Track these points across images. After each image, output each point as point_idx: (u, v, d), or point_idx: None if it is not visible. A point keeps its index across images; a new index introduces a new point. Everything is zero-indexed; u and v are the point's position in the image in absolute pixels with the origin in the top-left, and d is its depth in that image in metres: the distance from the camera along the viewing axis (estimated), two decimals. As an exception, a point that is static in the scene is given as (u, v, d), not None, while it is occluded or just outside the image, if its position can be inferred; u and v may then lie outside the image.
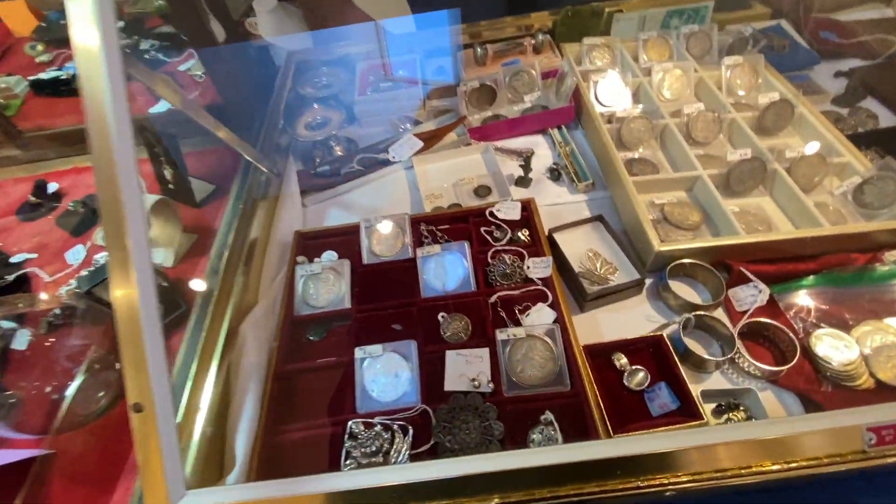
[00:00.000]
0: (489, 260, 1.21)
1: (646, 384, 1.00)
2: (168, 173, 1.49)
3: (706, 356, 1.01)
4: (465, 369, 1.02)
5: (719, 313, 1.11)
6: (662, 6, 1.75)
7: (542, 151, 1.56)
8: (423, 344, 1.07)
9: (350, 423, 0.96)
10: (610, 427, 0.90)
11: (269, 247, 1.33)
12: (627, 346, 1.05)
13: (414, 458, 0.92)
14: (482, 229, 1.28)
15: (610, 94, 1.57)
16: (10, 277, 1.38)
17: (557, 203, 1.41)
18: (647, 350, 1.05)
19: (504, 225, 1.28)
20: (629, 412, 0.97)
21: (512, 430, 0.94)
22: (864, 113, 1.54)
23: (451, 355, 1.05)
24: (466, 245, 1.22)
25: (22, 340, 1.24)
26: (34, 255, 1.47)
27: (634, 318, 1.13)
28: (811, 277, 1.12)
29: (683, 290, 1.15)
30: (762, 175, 1.30)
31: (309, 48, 1.77)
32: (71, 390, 1.07)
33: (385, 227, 1.28)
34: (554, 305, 1.10)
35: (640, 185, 1.28)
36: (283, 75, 1.76)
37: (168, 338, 1.21)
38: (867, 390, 0.96)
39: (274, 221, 1.39)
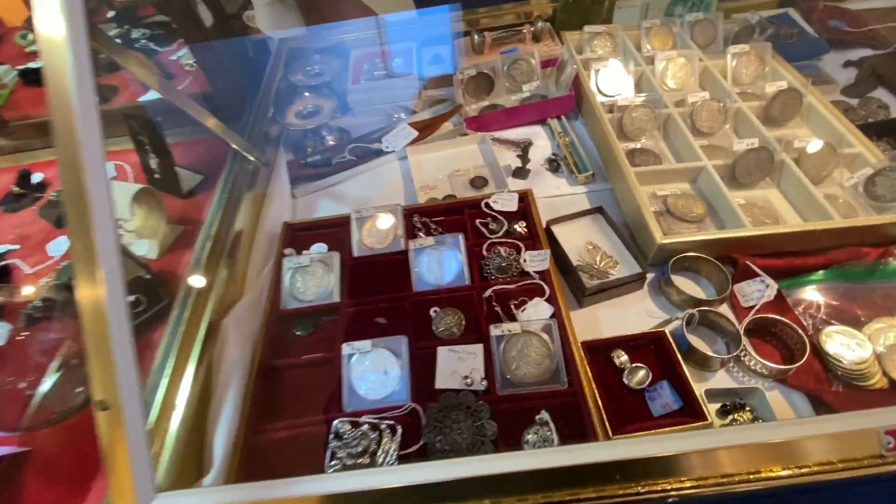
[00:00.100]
0: (484, 253, 1.16)
1: (647, 383, 0.95)
2: (154, 163, 1.44)
3: (710, 354, 0.96)
4: (458, 366, 0.98)
5: (724, 309, 1.06)
6: (666, -7, 1.70)
7: (541, 142, 1.51)
8: (413, 339, 1.02)
9: (336, 422, 0.91)
10: (609, 428, 0.86)
11: (256, 239, 1.28)
12: (628, 343, 1.00)
13: (402, 459, 0.87)
14: (477, 221, 1.23)
15: (611, 83, 1.52)
16: (-10, 269, 1.34)
17: (556, 195, 1.36)
18: (649, 347, 1.01)
19: (500, 217, 1.23)
20: (629, 412, 0.92)
21: (506, 430, 0.89)
22: (874, 103, 1.48)
23: (443, 351, 1.00)
24: (461, 237, 1.17)
25: (1, 334, 1.20)
26: (16, 247, 1.43)
27: (635, 314, 1.08)
28: (821, 272, 1.07)
29: (687, 284, 1.10)
30: (769, 166, 1.25)
31: (302, 35, 1.71)
32: (46, 386, 1.02)
33: (376, 219, 1.23)
34: (551, 300, 1.06)
35: (642, 175, 1.23)
36: (274, 63, 1.71)
37: (151, 332, 1.19)
38: (880, 390, 0.92)
39: (262, 212, 1.34)
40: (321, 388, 0.99)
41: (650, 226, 1.09)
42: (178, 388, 0.90)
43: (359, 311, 1.10)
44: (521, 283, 1.09)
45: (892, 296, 1.03)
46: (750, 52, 1.50)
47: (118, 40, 2.21)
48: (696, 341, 0.99)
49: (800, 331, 0.96)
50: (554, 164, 1.42)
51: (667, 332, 0.99)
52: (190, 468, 0.87)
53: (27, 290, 1.27)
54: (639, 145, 1.40)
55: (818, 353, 0.96)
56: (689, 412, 0.89)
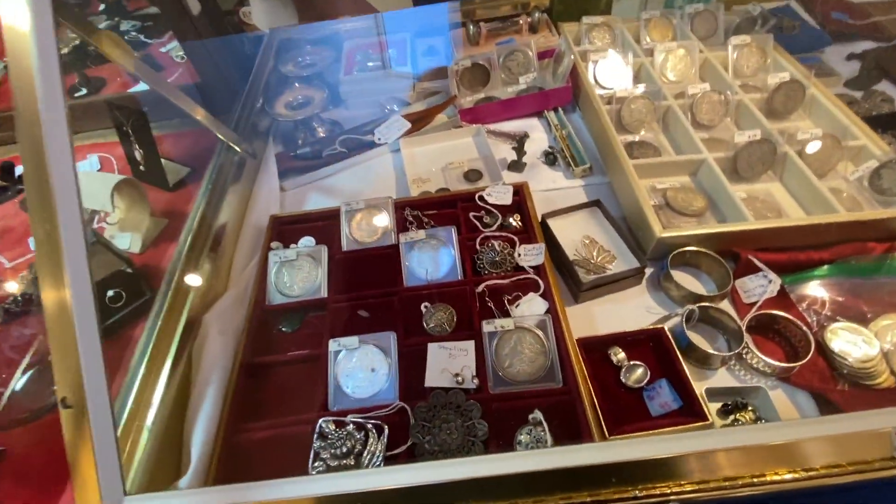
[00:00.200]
0: (478, 247, 1.12)
1: (645, 381, 0.91)
2: (139, 154, 1.40)
3: (711, 351, 0.92)
4: (448, 363, 0.94)
5: (725, 305, 1.02)
6: (666, -16, 1.66)
7: (538, 135, 1.47)
8: (403, 336, 0.99)
9: (320, 421, 0.87)
10: (605, 428, 0.82)
11: (242, 232, 1.24)
12: (625, 340, 0.96)
13: (389, 460, 0.83)
14: (471, 214, 1.19)
15: (609, 74, 1.48)
16: (-32, 263, 1.29)
17: (552, 188, 1.32)
18: (647, 344, 0.97)
19: (494, 210, 1.19)
20: (626, 412, 0.89)
21: (497, 430, 0.85)
22: (878, 96, 1.45)
23: (433, 348, 0.96)
24: (453, 231, 1.13)
25: (-22, 330, 1.15)
26: (-5, 240, 1.39)
27: (633, 310, 1.05)
28: (825, 267, 1.03)
29: (687, 280, 1.07)
30: (772, 159, 1.21)
31: (293, 25, 1.67)
32: (17, 383, 0.98)
33: (366, 212, 1.20)
34: (546, 296, 1.02)
35: (641, 168, 1.19)
36: (264, 53, 1.67)
37: (132, 327, 1.15)
38: (888, 389, 0.88)
39: (249, 205, 1.31)
40: (306, 387, 0.95)
41: (649, 219, 1.06)
42: (154, 385, 0.86)
43: (347, 307, 1.06)
44: (515, 278, 1.05)
45: (899, 292, 0.99)
46: (751, 44, 1.47)
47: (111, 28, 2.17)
48: (696, 338, 0.95)
49: (804, 327, 0.92)
50: (550, 157, 1.38)
51: (666, 328, 0.95)
52: (167, 469, 0.83)
53: (5, 285, 1.23)
54: (637, 138, 1.36)
55: (823, 350, 0.92)
56: (688, 412, 0.86)
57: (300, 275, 1.11)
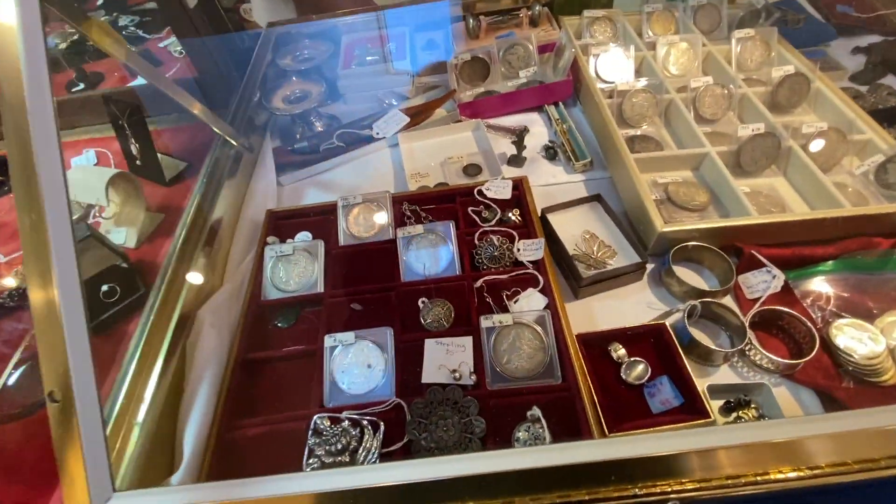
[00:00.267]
0: (476, 242, 1.10)
1: (646, 378, 0.90)
2: (135, 149, 1.39)
3: (713, 347, 0.90)
4: (446, 359, 0.92)
5: (728, 301, 1.00)
6: (669, -23, 1.64)
7: (538, 129, 1.45)
8: (400, 331, 0.97)
9: (315, 417, 0.86)
10: (605, 425, 0.80)
11: (238, 227, 1.23)
12: (626, 336, 0.94)
13: (385, 457, 0.82)
14: (470, 209, 1.17)
15: (611, 68, 1.46)
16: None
17: (552, 183, 1.31)
18: (648, 340, 0.95)
19: (493, 205, 1.18)
20: (627, 409, 0.87)
21: (495, 427, 0.84)
22: (884, 90, 1.43)
23: (430, 344, 0.94)
24: (452, 225, 1.11)
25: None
26: (-9, 235, 1.37)
27: (634, 306, 1.03)
28: (830, 263, 1.01)
29: (688, 275, 1.05)
30: (776, 153, 1.19)
31: (291, 18, 1.66)
32: (13, 378, 0.97)
33: (364, 206, 1.18)
34: (545, 291, 1.00)
35: (643, 162, 1.17)
36: (262, 47, 1.65)
37: (127, 322, 1.14)
38: (894, 386, 0.86)
39: (245, 200, 1.29)
40: (301, 383, 0.94)
41: (650, 214, 1.04)
42: (146, 381, 0.85)
43: (343, 302, 1.05)
44: (514, 273, 1.03)
45: (905, 288, 0.98)
46: (755, 37, 1.45)
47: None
48: (698, 334, 0.93)
49: (808, 324, 0.90)
50: (551, 152, 1.36)
51: (667, 324, 0.94)
52: (159, 466, 0.82)
53: (0, 280, 1.22)
54: (639, 132, 1.34)
55: (828, 347, 0.90)
56: (690, 409, 0.84)
57: (296, 270, 1.10)
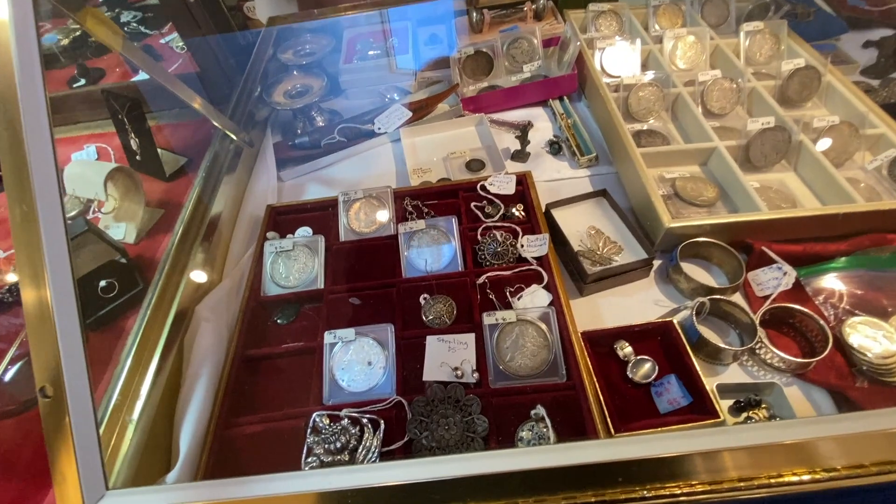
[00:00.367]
0: (479, 237, 1.08)
1: (653, 377, 0.87)
2: (135, 143, 1.37)
3: (723, 345, 0.88)
4: (448, 357, 0.91)
5: (737, 299, 0.98)
6: (676, -30, 1.61)
7: (542, 124, 1.43)
8: (401, 328, 0.95)
9: (314, 415, 0.84)
10: (611, 425, 0.78)
11: (238, 223, 1.21)
12: (632, 334, 0.92)
13: (385, 456, 0.80)
14: (472, 204, 1.15)
15: (617, 62, 1.44)
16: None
17: (557, 179, 1.28)
18: (655, 338, 0.93)
19: (497, 200, 1.16)
20: (633, 408, 0.85)
21: (498, 426, 0.82)
22: (897, 84, 1.40)
23: (431, 341, 0.93)
24: (454, 221, 1.09)
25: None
26: (-10, 231, 1.37)
27: (640, 304, 1.01)
28: (843, 259, 0.99)
29: (696, 272, 1.02)
30: (786, 147, 1.16)
31: (293, 12, 1.64)
32: (9, 374, 0.96)
33: (365, 202, 1.16)
34: (550, 288, 0.98)
35: (649, 157, 1.15)
36: (263, 41, 1.63)
37: (125, 318, 1.12)
38: (910, 387, 0.83)
39: (245, 195, 1.28)
40: (300, 380, 0.92)
41: (658, 209, 1.01)
42: (142, 377, 0.83)
43: (344, 299, 1.03)
44: (517, 270, 1.01)
45: (921, 285, 0.95)
46: (764, 30, 1.42)
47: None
48: (706, 332, 0.91)
49: (821, 322, 0.87)
50: (555, 147, 1.34)
51: (675, 321, 0.92)
52: (154, 464, 0.80)
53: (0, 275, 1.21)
54: (645, 126, 1.32)
55: (841, 346, 0.88)
56: (699, 409, 0.82)
57: (296, 265, 1.08)
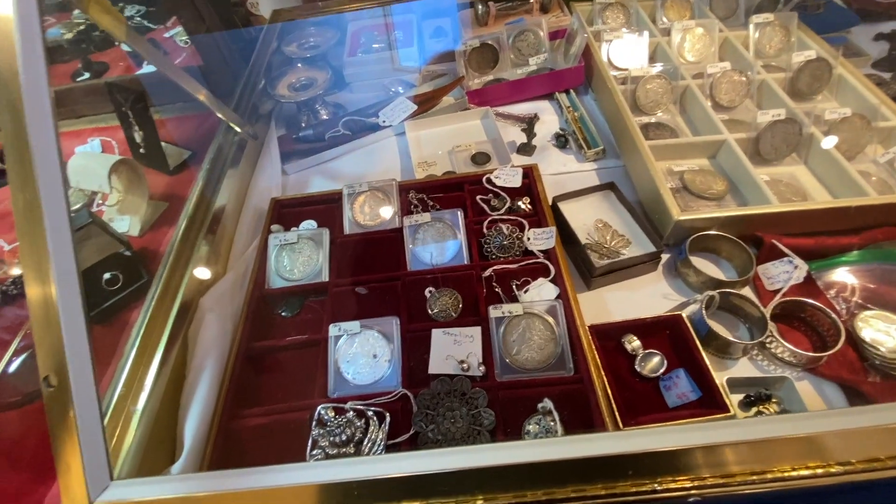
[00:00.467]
0: (485, 230, 1.07)
1: (661, 371, 0.86)
2: (139, 136, 1.37)
3: (732, 339, 0.87)
4: (454, 350, 0.90)
5: (746, 293, 0.96)
6: (684, -38, 1.59)
7: (548, 117, 1.42)
8: (406, 321, 0.94)
9: (319, 408, 0.83)
10: (619, 419, 0.77)
11: (242, 215, 1.21)
12: (640, 327, 0.91)
13: (391, 449, 0.79)
14: (478, 198, 1.14)
15: (624, 55, 1.42)
16: (-33, 246, 1.27)
17: (563, 172, 1.27)
18: (664, 332, 0.92)
19: (503, 193, 1.15)
20: (642, 402, 0.84)
21: (504, 419, 0.81)
22: (909, 77, 1.37)
23: (437, 334, 0.92)
24: (460, 213, 1.08)
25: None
26: (-5, 224, 1.36)
27: (648, 297, 0.99)
28: (855, 253, 0.97)
29: (706, 265, 1.01)
30: (797, 140, 1.15)
31: (297, 6, 1.63)
32: (13, 366, 0.95)
33: (369, 195, 1.15)
34: (556, 281, 0.97)
35: (658, 150, 1.14)
36: (267, 34, 1.63)
37: (129, 310, 1.12)
38: (924, 382, 0.82)
39: (249, 188, 1.27)
40: (305, 372, 0.92)
41: (666, 202, 1.00)
42: (146, 369, 0.83)
43: (348, 292, 1.02)
44: (524, 263, 1.00)
45: (934, 279, 0.93)
46: (774, 22, 1.40)
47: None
48: (716, 326, 0.89)
49: (833, 315, 0.86)
50: (562, 140, 1.33)
51: (683, 315, 0.90)
52: (159, 455, 0.80)
53: (2, 267, 1.21)
54: (653, 119, 1.30)
55: (853, 340, 0.86)
56: (708, 403, 0.81)
57: (301, 258, 1.08)
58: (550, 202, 1.10)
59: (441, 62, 1.57)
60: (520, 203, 1.13)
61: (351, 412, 0.83)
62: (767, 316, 0.88)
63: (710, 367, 0.83)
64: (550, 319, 0.90)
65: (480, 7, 1.58)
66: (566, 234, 1.05)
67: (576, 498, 0.58)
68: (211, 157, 1.23)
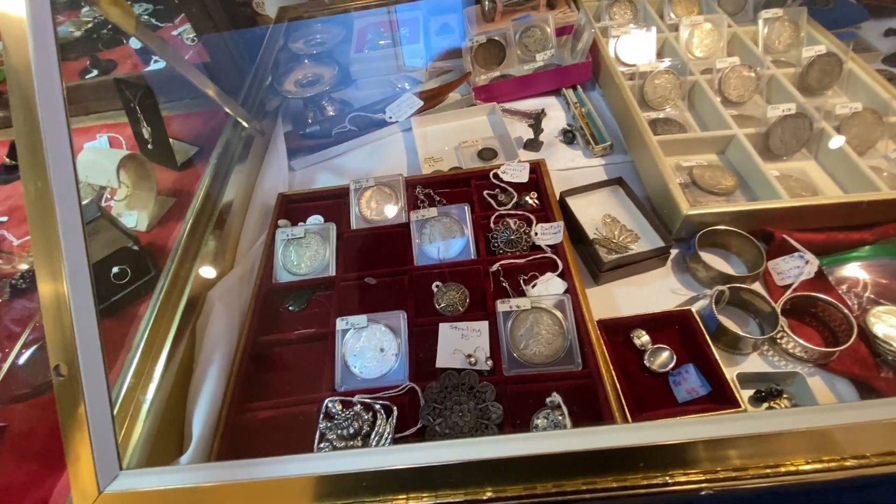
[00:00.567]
0: (492, 225, 1.07)
1: (671, 366, 0.86)
2: (146, 132, 1.38)
3: (743, 334, 0.86)
4: (461, 344, 0.89)
5: (756, 288, 0.96)
6: (692, -42, 1.58)
7: (555, 113, 1.41)
8: (413, 315, 0.94)
9: (326, 401, 0.83)
10: (628, 413, 0.77)
11: (249, 211, 1.21)
12: (649, 322, 0.90)
13: (398, 442, 0.79)
14: (485, 193, 1.14)
15: (631, 51, 1.41)
16: (-23, 240, 1.28)
17: (571, 167, 1.26)
18: (673, 327, 0.91)
19: (510, 188, 1.14)
20: (651, 397, 0.83)
21: (512, 413, 0.81)
22: (921, 73, 1.36)
23: (444, 328, 0.92)
24: (467, 208, 1.08)
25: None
26: (4, 219, 1.38)
27: (657, 293, 0.99)
28: (867, 248, 0.96)
29: (715, 261, 1.00)
30: (807, 135, 1.13)
31: (302, 3, 1.64)
32: (23, 358, 0.96)
33: (376, 190, 1.15)
34: (564, 276, 0.97)
35: (666, 145, 1.13)
36: (274, 31, 1.63)
37: (137, 304, 1.12)
38: (938, 377, 0.81)
39: (257, 184, 1.27)
40: (312, 366, 0.92)
41: (675, 197, 0.99)
42: (156, 362, 0.83)
43: (355, 286, 1.02)
44: (531, 258, 1.00)
45: (948, 275, 0.92)
46: (783, 18, 1.39)
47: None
48: (726, 321, 0.89)
49: (845, 311, 0.85)
50: (569, 136, 1.32)
51: (693, 310, 0.90)
52: (168, 446, 0.80)
53: (12, 261, 1.22)
54: (661, 115, 1.29)
55: (865, 335, 0.85)
56: (718, 398, 0.80)
57: (308, 253, 1.08)
58: (558, 197, 1.10)
59: (447, 58, 1.57)
60: (527, 198, 1.12)
61: (358, 405, 0.82)
62: (778, 311, 0.87)
63: (720, 362, 0.82)
64: (558, 314, 0.89)
65: (487, 3, 1.58)
66: (574, 229, 1.04)
67: (586, 490, 0.58)
68: (218, 153, 1.23)
